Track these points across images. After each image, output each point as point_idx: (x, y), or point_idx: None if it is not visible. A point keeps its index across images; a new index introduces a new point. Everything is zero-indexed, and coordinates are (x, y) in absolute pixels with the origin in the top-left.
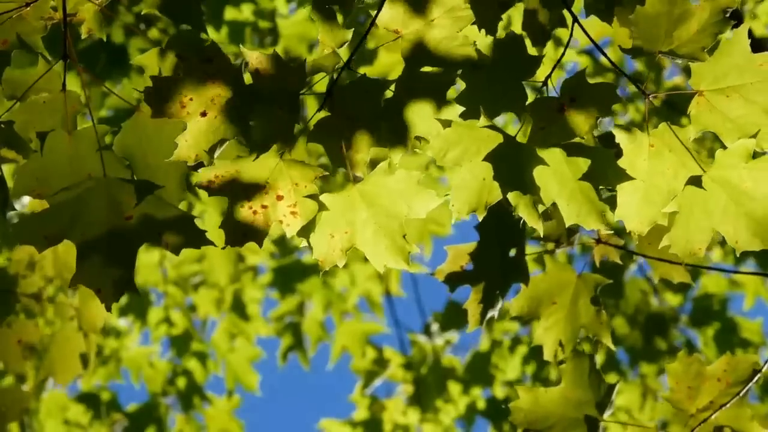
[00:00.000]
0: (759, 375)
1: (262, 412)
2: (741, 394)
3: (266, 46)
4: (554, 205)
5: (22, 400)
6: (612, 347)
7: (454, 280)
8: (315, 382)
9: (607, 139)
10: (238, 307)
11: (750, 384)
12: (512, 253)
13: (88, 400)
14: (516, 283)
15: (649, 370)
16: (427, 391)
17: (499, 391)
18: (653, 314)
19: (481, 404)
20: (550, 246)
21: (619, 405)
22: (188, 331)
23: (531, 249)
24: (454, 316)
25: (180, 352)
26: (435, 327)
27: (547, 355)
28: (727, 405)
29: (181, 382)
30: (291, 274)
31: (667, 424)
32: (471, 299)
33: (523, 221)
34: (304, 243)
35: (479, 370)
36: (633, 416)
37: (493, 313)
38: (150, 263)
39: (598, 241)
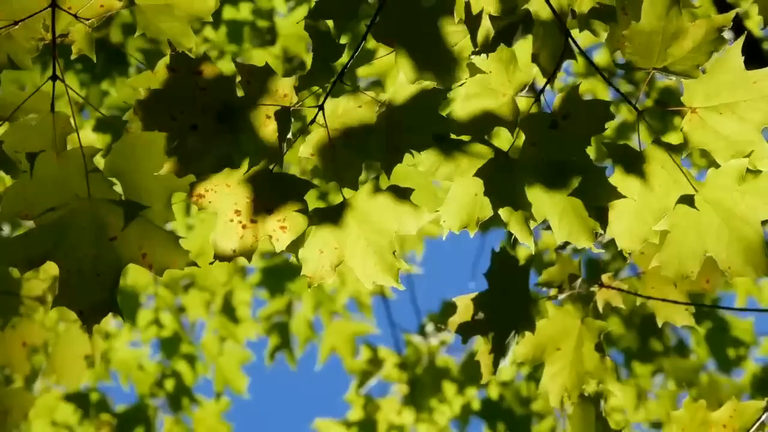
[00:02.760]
0: (763, 419)
1: (253, 416)
2: None
3: (265, 46)
4: (557, 250)
5: (27, 403)
6: (618, 395)
7: (466, 330)
8: (306, 385)
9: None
10: (228, 310)
11: (755, 428)
12: (518, 300)
13: (77, 400)
14: (523, 331)
15: (643, 371)
16: (422, 391)
17: (494, 392)
18: (647, 315)
19: (475, 405)
20: (554, 292)
21: (614, 406)
22: (177, 333)
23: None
24: (449, 317)
25: (169, 354)
26: (430, 327)
27: (554, 402)
28: None
29: (170, 384)
30: (280, 274)
31: None
32: (482, 349)
33: (528, 267)
34: (293, 258)
35: (474, 371)
36: (627, 417)
37: (505, 362)
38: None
39: (601, 285)
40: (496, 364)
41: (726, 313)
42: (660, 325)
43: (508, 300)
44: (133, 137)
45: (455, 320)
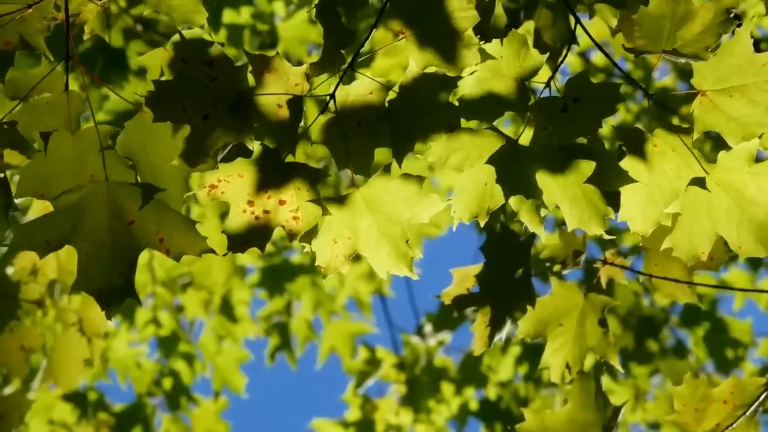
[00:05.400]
0: (764, 397)
1: (252, 415)
2: (747, 415)
3: (265, 49)
4: (562, 226)
5: (23, 406)
6: (620, 369)
7: (460, 303)
8: (304, 384)
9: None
10: (226, 309)
11: (756, 404)
12: (518, 274)
13: (75, 400)
14: (523, 305)
15: (641, 372)
16: (419, 391)
17: (492, 392)
18: (645, 316)
19: (473, 405)
20: (557, 267)
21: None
22: (176, 332)
23: (537, 270)
24: (447, 317)
25: (167, 353)
26: (428, 327)
27: (555, 377)
28: (734, 426)
29: (168, 383)
30: (279, 273)
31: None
32: (478, 322)
33: (529, 242)
34: (306, 248)
35: (472, 371)
36: (625, 417)
37: (501, 336)
38: (138, 264)
39: (604, 262)
40: (491, 338)
41: (725, 314)
42: (663, 302)
43: (506, 274)
44: (147, 117)
45: (450, 292)
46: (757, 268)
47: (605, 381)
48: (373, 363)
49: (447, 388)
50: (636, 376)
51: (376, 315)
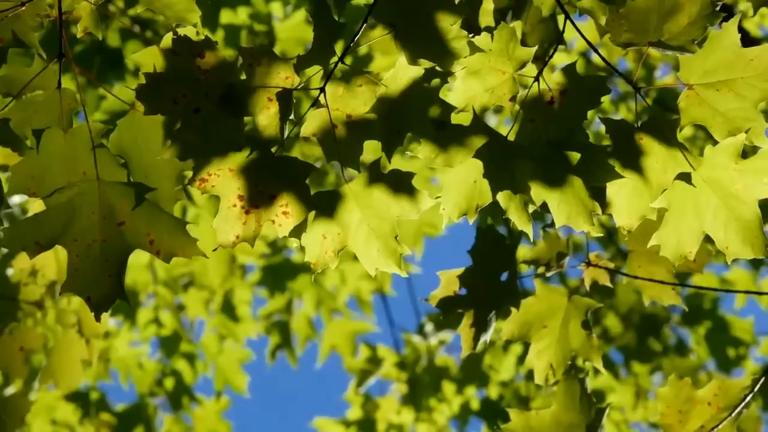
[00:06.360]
0: (749, 399)
1: (252, 414)
2: (731, 417)
3: None
4: (545, 229)
5: (23, 408)
6: (603, 371)
7: (447, 305)
8: (306, 383)
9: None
10: (228, 309)
11: (740, 407)
12: (504, 277)
13: (77, 400)
14: (507, 307)
15: (642, 370)
16: (421, 390)
17: (494, 391)
18: (646, 314)
19: (475, 404)
20: (541, 270)
21: (612, 404)
22: (177, 332)
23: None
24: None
25: (169, 353)
26: (429, 327)
27: (538, 379)
28: (718, 428)
29: (170, 383)
30: (280, 272)
31: None
32: (464, 324)
33: (515, 244)
34: (295, 243)
35: (473, 370)
36: (626, 415)
37: (486, 337)
38: (139, 264)
39: (588, 264)
40: (476, 340)
41: (726, 313)
42: (647, 303)
43: (492, 277)
44: (139, 115)
45: (437, 294)
46: (758, 267)
47: (606, 379)
48: (375, 362)
49: (448, 387)
50: (637, 375)
51: (377, 314)
